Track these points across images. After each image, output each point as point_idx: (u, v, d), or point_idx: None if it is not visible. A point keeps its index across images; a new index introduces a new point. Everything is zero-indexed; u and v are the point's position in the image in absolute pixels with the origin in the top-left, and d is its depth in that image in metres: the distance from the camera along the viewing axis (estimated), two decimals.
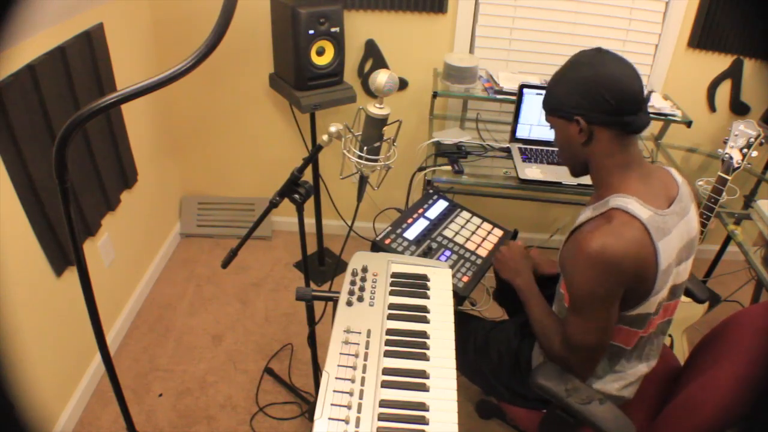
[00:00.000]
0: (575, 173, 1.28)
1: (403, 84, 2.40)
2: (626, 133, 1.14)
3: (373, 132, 1.23)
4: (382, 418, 0.93)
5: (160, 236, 2.59)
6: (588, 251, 1.06)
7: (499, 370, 1.43)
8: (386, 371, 1.02)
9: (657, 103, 2.11)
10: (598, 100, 1.11)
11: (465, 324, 1.50)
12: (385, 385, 0.99)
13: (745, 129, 1.66)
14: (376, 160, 1.26)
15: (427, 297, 1.21)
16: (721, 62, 2.31)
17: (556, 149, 1.40)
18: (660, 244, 1.08)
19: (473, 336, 1.48)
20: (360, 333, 1.08)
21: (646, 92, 1.13)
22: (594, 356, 1.19)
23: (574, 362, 1.20)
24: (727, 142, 1.68)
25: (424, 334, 1.11)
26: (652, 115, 2.08)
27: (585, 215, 1.19)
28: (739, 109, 2.41)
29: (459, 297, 1.37)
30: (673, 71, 2.32)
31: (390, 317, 1.14)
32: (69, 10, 1.66)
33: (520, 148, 2.07)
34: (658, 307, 1.16)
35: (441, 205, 1.67)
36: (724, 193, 1.69)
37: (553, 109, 1.21)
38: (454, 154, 2.06)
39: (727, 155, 1.66)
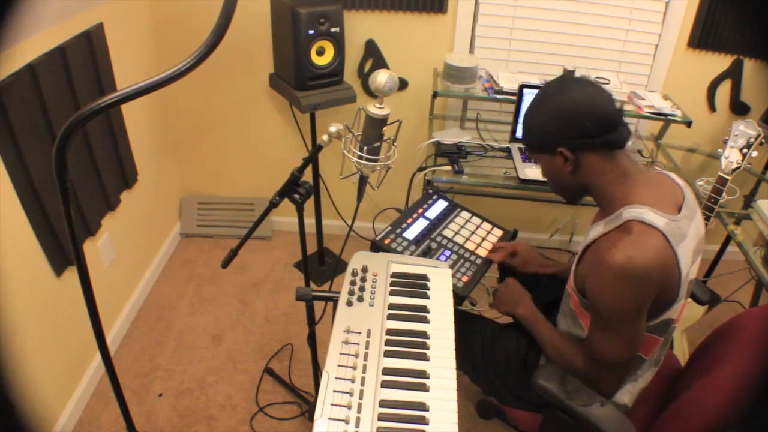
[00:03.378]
0: (570, 200, 1.28)
1: (403, 84, 2.40)
2: (611, 150, 1.14)
3: (373, 132, 1.23)
4: (382, 418, 0.93)
5: (160, 236, 2.59)
6: (614, 266, 1.04)
7: (506, 375, 1.41)
8: (386, 371, 1.02)
9: (657, 103, 2.12)
10: (576, 128, 1.12)
11: (469, 324, 1.50)
12: (385, 385, 0.99)
13: (745, 129, 1.66)
14: (376, 160, 1.26)
15: (427, 297, 1.21)
16: (721, 62, 2.31)
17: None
18: (679, 249, 1.07)
19: (478, 337, 1.47)
20: (360, 333, 1.08)
21: (618, 105, 1.15)
22: (624, 370, 1.18)
23: (605, 379, 1.18)
24: (727, 142, 1.68)
25: (424, 334, 1.11)
26: (652, 115, 2.09)
27: (597, 231, 1.17)
28: (739, 109, 2.41)
29: (459, 297, 1.37)
30: (673, 71, 2.32)
31: (390, 317, 1.14)
32: (69, 10, 1.66)
33: (520, 148, 2.07)
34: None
35: (441, 205, 1.66)
36: (724, 193, 1.69)
37: (534, 146, 1.22)
38: (454, 154, 2.06)
39: (726, 156, 1.66)
